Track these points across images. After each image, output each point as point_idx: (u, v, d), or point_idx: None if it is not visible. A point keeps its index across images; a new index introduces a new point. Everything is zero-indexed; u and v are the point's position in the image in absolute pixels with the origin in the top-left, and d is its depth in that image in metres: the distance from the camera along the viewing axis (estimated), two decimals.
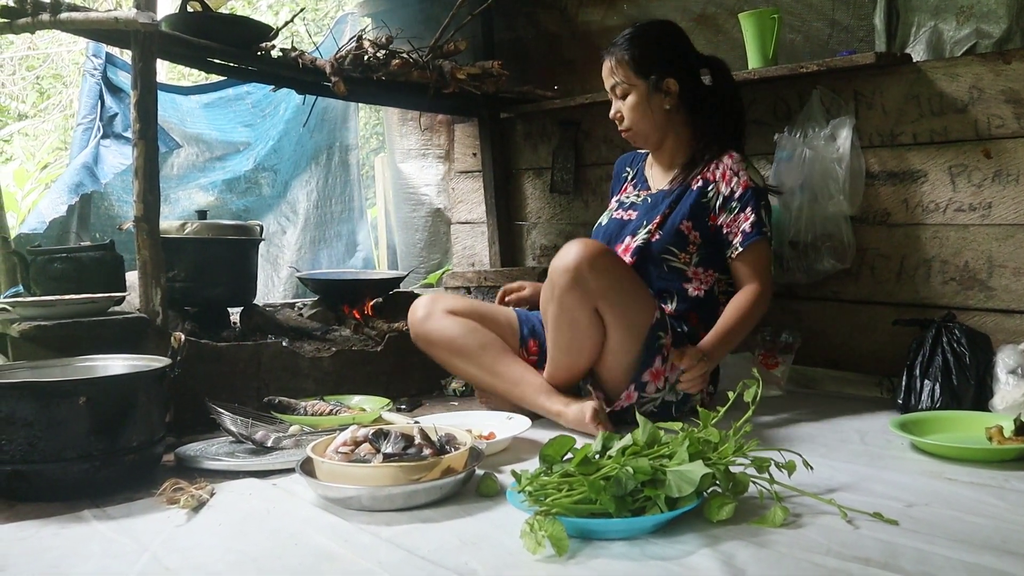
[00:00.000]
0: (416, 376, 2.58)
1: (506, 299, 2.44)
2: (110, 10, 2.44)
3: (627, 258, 2.24)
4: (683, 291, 2.22)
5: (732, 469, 1.49)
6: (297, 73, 2.59)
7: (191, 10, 2.46)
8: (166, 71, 6.29)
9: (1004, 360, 2.10)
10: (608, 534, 1.35)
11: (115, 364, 1.89)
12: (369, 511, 1.51)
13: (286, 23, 2.63)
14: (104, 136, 3.38)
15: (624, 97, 2.27)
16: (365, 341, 2.53)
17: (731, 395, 1.57)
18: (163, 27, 2.31)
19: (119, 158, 3.35)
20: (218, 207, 3.67)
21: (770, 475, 1.50)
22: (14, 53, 7.48)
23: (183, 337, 1.87)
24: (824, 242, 2.44)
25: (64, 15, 2.18)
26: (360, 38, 2.64)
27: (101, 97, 3.44)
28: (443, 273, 3.50)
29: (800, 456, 1.55)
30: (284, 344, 2.36)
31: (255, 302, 2.66)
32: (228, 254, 2.49)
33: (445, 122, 3.60)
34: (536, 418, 2.14)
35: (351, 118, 4.07)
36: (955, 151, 2.34)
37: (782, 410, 2.28)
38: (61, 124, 7.29)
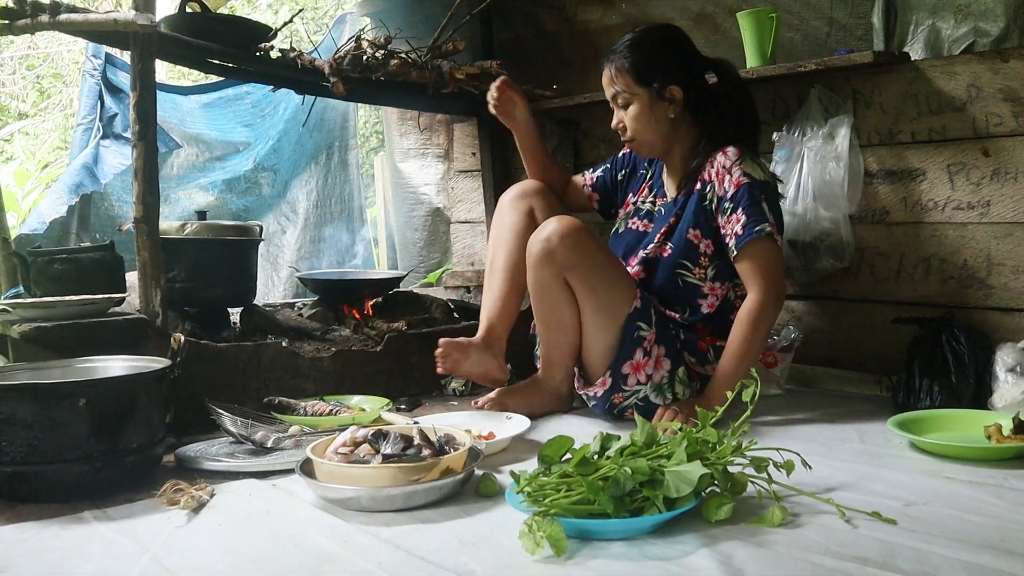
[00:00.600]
0: (416, 376, 2.58)
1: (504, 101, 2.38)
2: (109, 11, 2.45)
3: (632, 268, 2.23)
4: (697, 306, 2.20)
5: (730, 469, 1.49)
6: (296, 73, 2.59)
7: (190, 11, 2.47)
8: (166, 71, 6.29)
9: (1003, 358, 2.10)
10: (607, 534, 1.35)
11: (115, 365, 1.89)
12: (368, 512, 1.51)
13: (285, 23, 2.63)
14: (104, 136, 3.38)
15: (626, 107, 2.20)
16: (365, 341, 2.54)
17: (729, 394, 1.58)
18: (162, 28, 2.31)
19: (119, 158, 3.35)
20: (218, 207, 3.67)
21: (768, 475, 1.51)
22: (14, 52, 7.48)
23: (183, 338, 1.88)
24: (823, 241, 2.45)
25: (63, 16, 2.18)
26: (359, 38, 2.64)
27: (101, 97, 3.44)
28: (443, 272, 3.51)
29: (798, 455, 1.55)
30: (284, 344, 2.37)
31: (255, 302, 2.67)
32: (228, 254, 2.49)
33: (444, 121, 3.60)
34: (536, 418, 2.15)
35: (350, 118, 4.08)
36: (953, 149, 2.34)
37: (781, 409, 2.28)
38: (61, 123, 7.29)
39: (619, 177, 2.48)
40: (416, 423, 1.82)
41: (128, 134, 3.38)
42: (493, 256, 2.37)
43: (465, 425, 1.90)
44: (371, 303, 2.81)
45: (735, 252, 2.11)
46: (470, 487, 1.63)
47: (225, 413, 1.93)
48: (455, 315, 2.86)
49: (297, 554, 1.35)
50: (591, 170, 2.54)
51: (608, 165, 2.51)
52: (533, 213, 2.34)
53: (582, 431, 2.04)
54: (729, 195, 2.11)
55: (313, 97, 2.90)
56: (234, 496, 1.64)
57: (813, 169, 2.42)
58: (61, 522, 1.52)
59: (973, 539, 1.33)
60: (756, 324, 2.07)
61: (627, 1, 3.14)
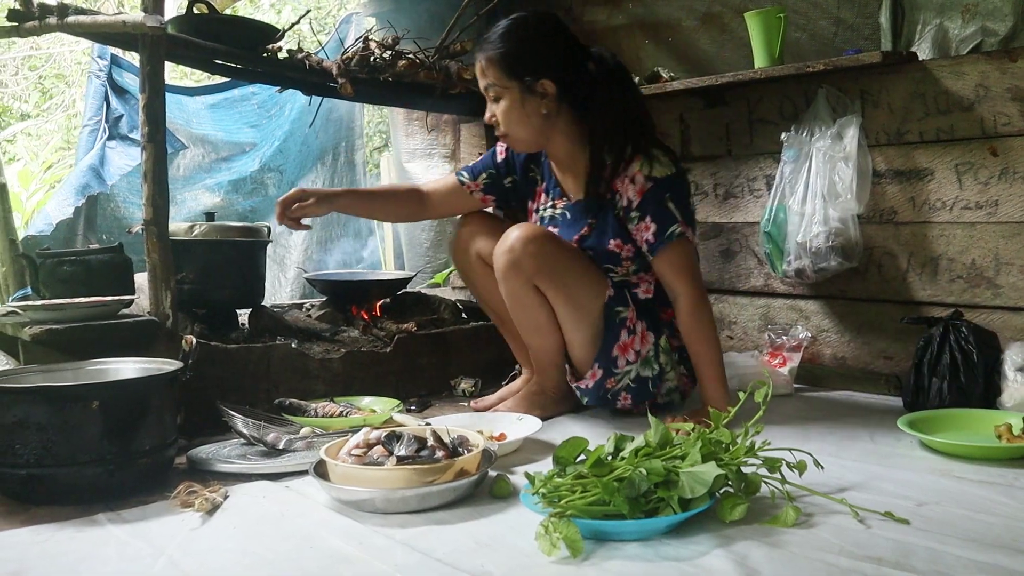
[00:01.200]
0: (425, 377, 2.58)
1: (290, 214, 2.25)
2: (118, 13, 2.44)
3: None
4: (635, 295, 2.20)
5: (744, 469, 1.50)
6: (304, 74, 2.59)
7: (197, 12, 2.46)
8: (168, 70, 6.28)
9: (1012, 358, 2.10)
10: (622, 535, 1.36)
11: (126, 367, 1.89)
12: (383, 513, 1.52)
13: (292, 25, 2.62)
14: (110, 137, 3.38)
15: (497, 100, 2.10)
16: (374, 342, 2.54)
17: (742, 395, 1.58)
18: (169, 29, 2.31)
19: (125, 159, 3.35)
20: (224, 208, 3.66)
21: (782, 475, 1.51)
22: (16, 53, 7.48)
23: (194, 340, 1.88)
24: (831, 241, 2.44)
25: (71, 19, 2.18)
26: (367, 39, 2.64)
27: (106, 98, 3.44)
28: (450, 273, 3.51)
29: (811, 456, 1.55)
30: (294, 345, 2.37)
31: (263, 303, 2.67)
32: (237, 256, 2.49)
33: (451, 121, 3.60)
34: (546, 418, 2.16)
35: (356, 118, 4.07)
36: (961, 149, 2.34)
37: (791, 408, 2.29)
38: (64, 124, 7.29)
39: (507, 184, 2.38)
40: (428, 424, 1.83)
41: (134, 135, 3.40)
42: (484, 308, 2.48)
43: (476, 426, 1.90)
44: (380, 304, 2.81)
45: (651, 258, 2.13)
46: (484, 488, 1.63)
47: (237, 415, 1.93)
48: (463, 316, 2.87)
49: (313, 556, 1.36)
50: (467, 174, 2.40)
51: (491, 171, 2.38)
52: (474, 251, 2.34)
53: (592, 431, 2.05)
54: (635, 204, 2.09)
55: (320, 98, 2.90)
56: (248, 498, 1.64)
57: (821, 169, 2.42)
58: (76, 524, 1.52)
59: (985, 539, 1.34)
60: (700, 319, 2.10)
61: (634, 1, 3.15)
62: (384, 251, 4.19)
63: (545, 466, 1.73)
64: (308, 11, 3.00)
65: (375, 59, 2.61)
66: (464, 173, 2.41)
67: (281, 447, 1.87)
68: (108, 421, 1.63)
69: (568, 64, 2.11)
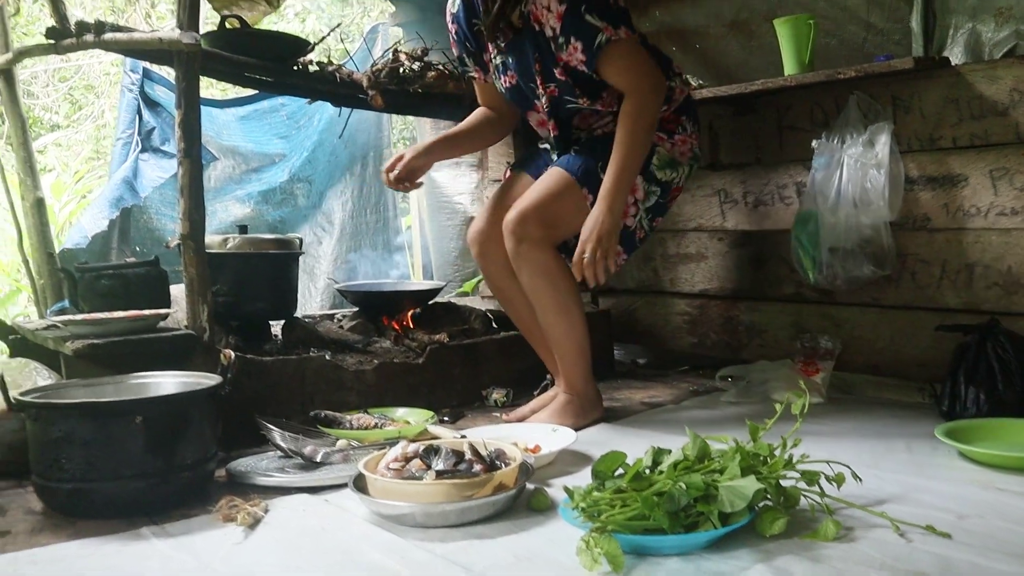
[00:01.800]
0: (457, 387, 2.60)
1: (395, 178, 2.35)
2: (153, 30, 2.48)
3: (548, 124, 2.31)
4: (612, 118, 2.21)
5: (782, 483, 1.49)
6: (334, 87, 2.62)
7: (229, 27, 2.50)
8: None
9: None
10: (663, 550, 1.36)
11: (167, 381, 1.92)
12: (423, 527, 1.53)
13: (322, 39, 2.65)
14: (143, 150, 3.44)
15: None
16: (406, 353, 2.55)
17: (779, 407, 1.57)
18: (202, 45, 2.34)
19: (157, 171, 3.41)
20: (254, 219, 3.71)
21: (820, 488, 1.51)
22: (47, 65, 7.59)
23: (232, 354, 1.90)
24: (864, 248, 2.43)
25: (108, 36, 2.21)
26: (396, 51, 2.67)
27: (139, 112, 3.49)
28: (478, 282, 3.52)
29: (849, 468, 1.55)
30: (327, 357, 2.39)
31: (295, 314, 2.69)
32: (270, 268, 2.51)
33: None
34: (580, 428, 2.16)
35: (384, 128, 4.10)
36: (996, 154, 2.32)
37: (825, 417, 2.27)
38: (94, 134, 7.39)
39: (478, 52, 2.39)
40: (464, 437, 1.84)
41: (166, 147, 3.45)
42: (510, 316, 2.51)
43: (510, 438, 1.91)
44: (410, 314, 2.83)
45: (593, 75, 2.14)
46: (521, 501, 1.64)
47: (274, 428, 1.95)
48: (494, 325, 2.87)
49: (356, 570, 1.37)
50: (471, 70, 2.44)
51: (465, 52, 2.40)
52: (492, 254, 2.41)
53: (626, 440, 2.05)
54: (558, 30, 2.09)
55: (349, 109, 2.93)
56: (288, 512, 1.65)
57: (853, 176, 2.41)
58: (121, 538, 1.54)
59: None
60: (633, 118, 2.10)
61: (660, 8, 3.15)
62: (412, 260, 4.21)
63: (581, 478, 1.74)
64: (339, 24, 3.03)
65: (404, 71, 2.63)
66: (470, 71, 2.45)
67: (319, 460, 1.89)
68: (151, 436, 1.66)
69: None
